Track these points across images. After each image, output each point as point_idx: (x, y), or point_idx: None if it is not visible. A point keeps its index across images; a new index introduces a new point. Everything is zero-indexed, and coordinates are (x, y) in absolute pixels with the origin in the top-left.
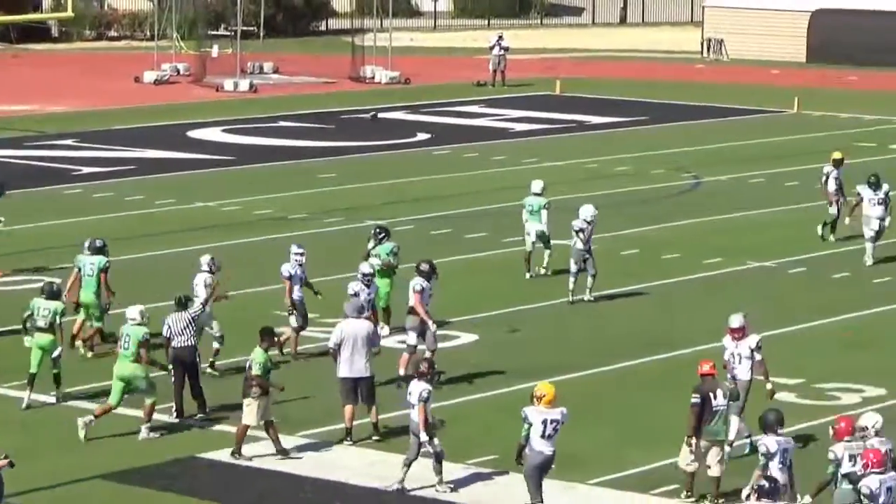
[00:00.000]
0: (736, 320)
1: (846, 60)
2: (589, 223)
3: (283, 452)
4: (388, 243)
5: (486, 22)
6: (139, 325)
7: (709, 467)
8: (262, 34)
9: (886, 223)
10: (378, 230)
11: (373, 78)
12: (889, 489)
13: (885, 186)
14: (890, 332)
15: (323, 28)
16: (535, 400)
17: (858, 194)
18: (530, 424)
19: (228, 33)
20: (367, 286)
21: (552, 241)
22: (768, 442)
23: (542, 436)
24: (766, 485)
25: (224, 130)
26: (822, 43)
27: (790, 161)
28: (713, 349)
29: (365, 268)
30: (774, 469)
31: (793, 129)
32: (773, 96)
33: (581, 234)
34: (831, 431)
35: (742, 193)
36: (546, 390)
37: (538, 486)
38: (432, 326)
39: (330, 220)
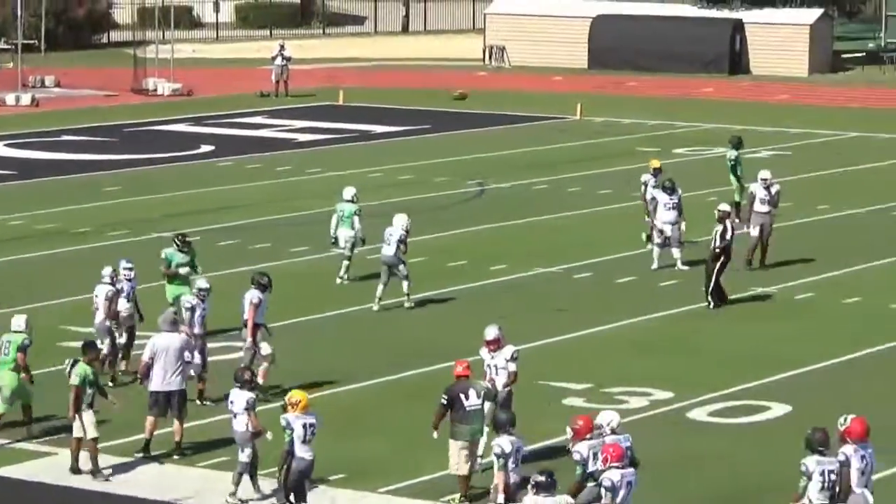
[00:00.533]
0: (491, 332)
1: (627, 66)
2: (407, 231)
3: (94, 473)
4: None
5: (269, 32)
6: (19, 333)
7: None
8: (43, 47)
9: (682, 228)
10: (180, 238)
11: (155, 90)
12: (629, 483)
13: (679, 191)
14: (675, 336)
15: (105, 41)
16: (290, 407)
17: (653, 198)
18: (293, 430)
19: (9, 47)
20: (203, 301)
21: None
22: (502, 442)
23: (304, 441)
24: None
25: (6, 145)
26: (603, 49)
27: (574, 167)
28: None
29: (202, 282)
30: (508, 469)
31: (576, 135)
32: (555, 102)
33: (402, 245)
34: (569, 432)
35: (527, 200)
36: (300, 396)
37: (300, 492)
38: (248, 342)
39: (114, 234)
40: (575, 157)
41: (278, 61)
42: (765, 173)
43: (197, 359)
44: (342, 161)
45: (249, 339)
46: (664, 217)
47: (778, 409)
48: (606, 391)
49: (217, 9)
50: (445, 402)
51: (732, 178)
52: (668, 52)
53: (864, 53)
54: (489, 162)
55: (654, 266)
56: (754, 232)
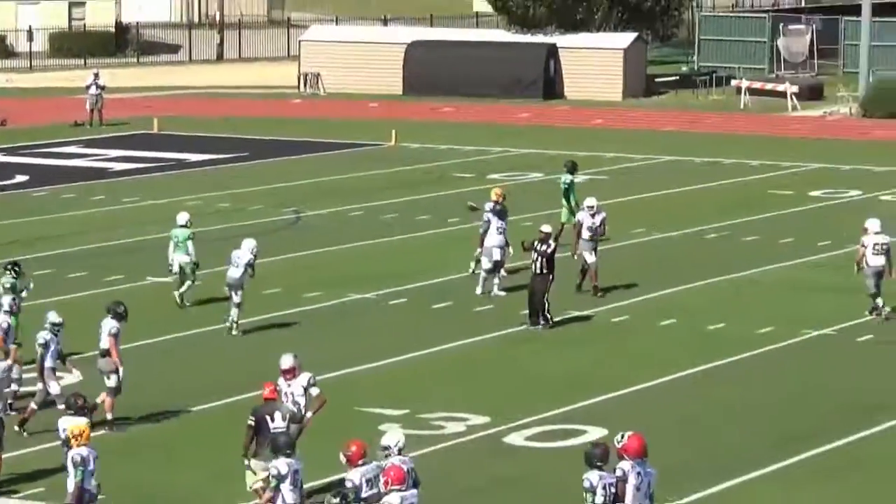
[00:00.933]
0: (286, 361)
1: (442, 92)
2: (255, 255)
3: None
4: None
5: (83, 61)
6: None
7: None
8: None
9: (509, 252)
10: (11, 266)
11: None
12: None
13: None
14: (490, 360)
15: None
16: (73, 440)
17: (487, 221)
18: (85, 467)
19: None
20: (56, 335)
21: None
22: (279, 464)
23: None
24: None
25: None
26: (418, 75)
27: (390, 193)
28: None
29: (53, 317)
30: (286, 490)
31: (392, 161)
32: (370, 129)
33: (250, 269)
34: (343, 458)
35: (342, 227)
36: (81, 429)
37: None
38: (122, 371)
39: None
40: (390, 184)
41: (92, 90)
42: (590, 201)
43: (55, 389)
44: (158, 189)
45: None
46: (494, 241)
47: (594, 433)
48: (423, 417)
49: (31, 38)
50: (252, 423)
51: (564, 201)
52: (483, 78)
53: (678, 77)
54: (305, 189)
55: (479, 291)
56: (590, 258)
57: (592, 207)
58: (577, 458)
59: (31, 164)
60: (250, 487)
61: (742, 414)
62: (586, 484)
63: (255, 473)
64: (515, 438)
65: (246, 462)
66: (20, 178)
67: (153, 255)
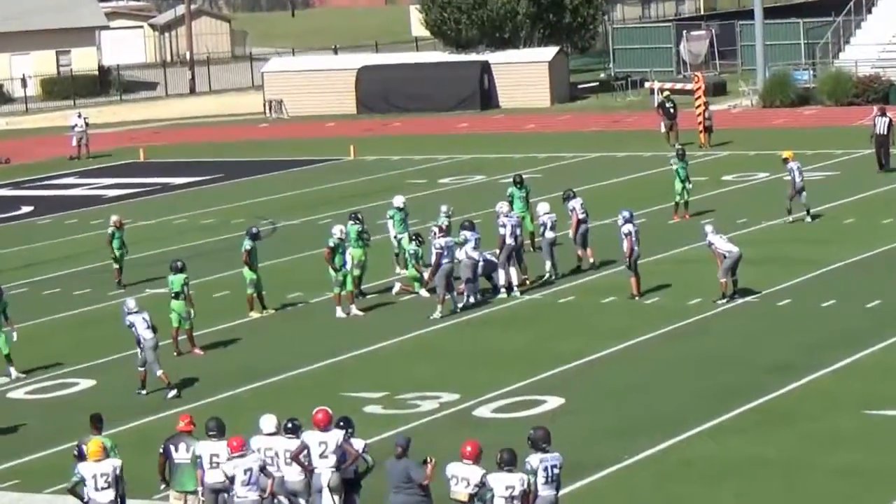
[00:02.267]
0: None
1: (391, 109)
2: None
3: None
4: None
5: (72, 102)
6: None
7: None
8: None
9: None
10: None
11: None
12: (248, 470)
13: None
14: (450, 343)
15: None
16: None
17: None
18: (82, 478)
19: None
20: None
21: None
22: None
23: (96, 488)
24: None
25: None
26: (369, 95)
27: (353, 201)
28: (312, 371)
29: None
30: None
31: (352, 173)
32: (331, 146)
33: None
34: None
35: (314, 234)
36: (97, 446)
37: None
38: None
39: None
40: (353, 193)
41: (78, 128)
42: (543, 206)
43: None
44: (149, 211)
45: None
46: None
47: (552, 401)
48: (401, 397)
49: (24, 84)
50: (162, 451)
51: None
52: (426, 94)
53: (598, 83)
54: (279, 202)
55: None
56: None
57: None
58: (540, 424)
59: (34, 196)
60: None
61: (681, 377)
62: (527, 466)
63: (176, 500)
64: (484, 411)
65: (162, 487)
66: (26, 209)
67: (149, 269)
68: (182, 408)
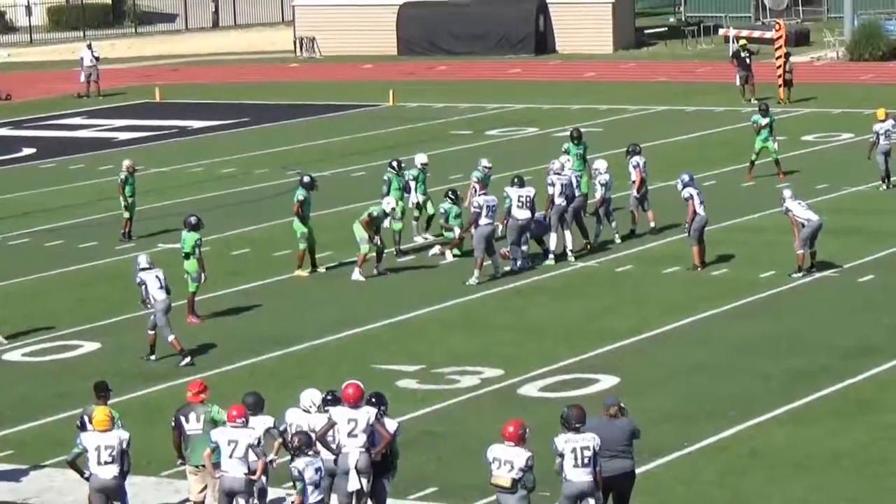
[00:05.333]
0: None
1: (436, 51)
2: None
3: None
4: None
5: (82, 33)
6: None
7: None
8: None
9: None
10: None
11: None
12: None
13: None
14: (494, 313)
15: None
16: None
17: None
18: (84, 449)
19: None
20: None
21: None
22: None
23: (99, 462)
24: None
25: None
26: (412, 35)
27: (390, 153)
28: (338, 340)
29: None
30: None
31: (390, 121)
32: (368, 91)
33: None
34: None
35: (346, 187)
36: (103, 414)
37: None
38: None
39: None
40: (390, 144)
41: (87, 62)
42: (601, 164)
43: None
44: (163, 157)
45: None
46: (518, 214)
47: (606, 381)
48: (438, 371)
49: (29, 12)
50: (173, 425)
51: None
52: (475, 35)
53: (666, 28)
54: (308, 151)
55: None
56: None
57: (598, 170)
58: (592, 406)
59: (37, 137)
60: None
61: (749, 358)
62: (552, 447)
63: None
64: (530, 389)
65: (179, 462)
66: (27, 151)
67: (162, 222)
68: (195, 376)
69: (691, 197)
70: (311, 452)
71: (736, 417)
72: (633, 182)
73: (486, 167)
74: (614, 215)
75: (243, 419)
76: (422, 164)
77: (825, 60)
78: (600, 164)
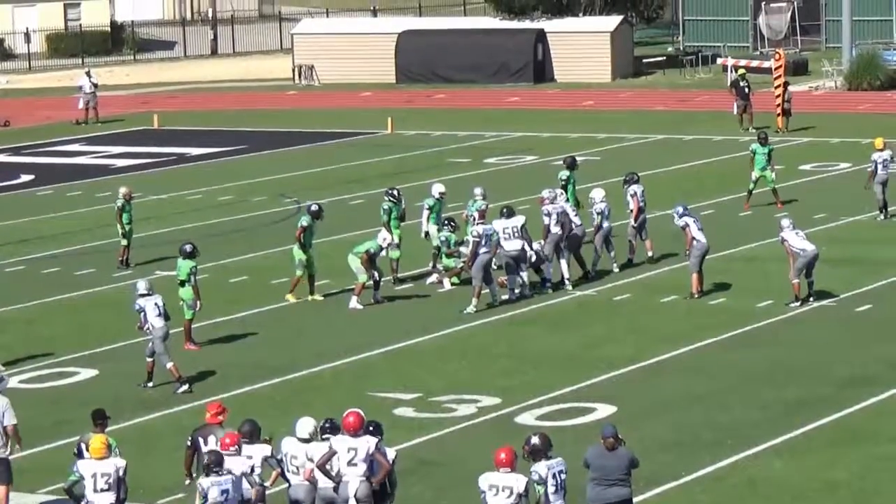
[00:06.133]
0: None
1: (434, 79)
2: None
3: None
4: None
5: (80, 60)
6: None
7: None
8: None
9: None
10: None
11: None
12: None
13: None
14: (492, 341)
15: None
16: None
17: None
18: (81, 477)
19: None
20: None
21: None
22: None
23: (95, 489)
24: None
25: None
26: (410, 63)
27: (389, 180)
28: (335, 368)
29: None
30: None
31: (389, 149)
32: (366, 118)
33: None
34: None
35: (344, 215)
36: (100, 442)
37: None
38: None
39: None
40: (388, 171)
41: (86, 88)
42: (598, 192)
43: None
44: (161, 184)
45: None
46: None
47: (603, 410)
48: (435, 400)
49: (28, 39)
50: (189, 444)
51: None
52: (474, 64)
53: (665, 57)
54: (305, 179)
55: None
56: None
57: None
58: (590, 435)
59: (35, 164)
60: None
61: (746, 387)
62: (534, 476)
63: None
64: (527, 418)
65: (187, 482)
66: (26, 178)
67: (159, 249)
68: (192, 403)
69: (687, 225)
70: (223, 472)
71: (733, 447)
72: (631, 211)
73: (481, 195)
74: (613, 244)
75: (236, 447)
76: (440, 194)
77: (823, 90)
78: (596, 194)
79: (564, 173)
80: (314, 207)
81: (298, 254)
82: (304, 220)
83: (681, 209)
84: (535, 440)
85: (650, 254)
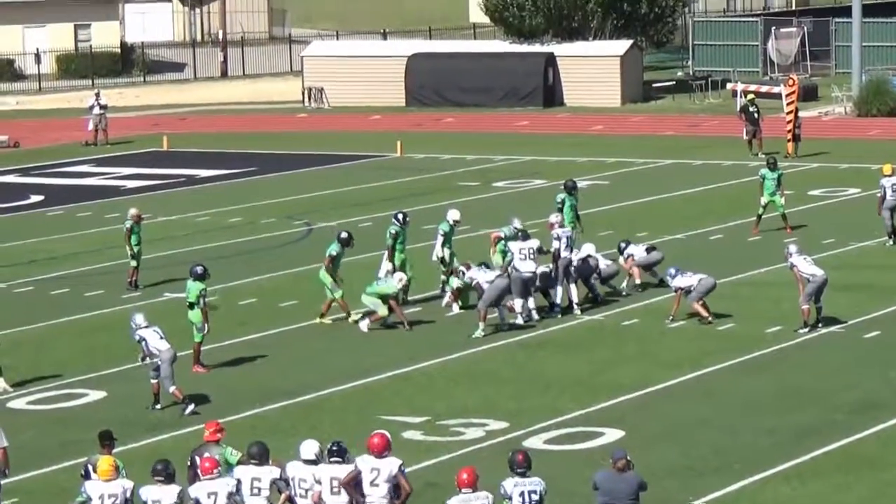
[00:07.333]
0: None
1: (444, 103)
2: None
3: None
4: None
5: (91, 82)
6: None
7: None
8: None
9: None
10: None
11: None
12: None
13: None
14: (500, 365)
15: None
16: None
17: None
18: (88, 498)
19: None
20: None
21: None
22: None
23: None
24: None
25: None
26: (420, 87)
27: (397, 203)
28: (343, 391)
29: None
30: None
31: (398, 172)
32: (376, 141)
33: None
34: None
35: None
36: (107, 464)
37: None
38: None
39: None
40: (397, 194)
41: (96, 110)
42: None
43: None
44: (170, 206)
45: None
46: (522, 266)
47: (612, 434)
48: (443, 423)
49: (38, 60)
50: (189, 464)
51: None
52: (483, 88)
53: (675, 82)
54: (315, 201)
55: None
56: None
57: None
58: (597, 459)
59: (45, 184)
60: None
61: (754, 413)
62: (501, 491)
63: None
64: (535, 442)
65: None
66: (35, 199)
67: (168, 271)
68: (199, 426)
69: (680, 289)
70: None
71: (741, 472)
72: (630, 276)
73: (455, 221)
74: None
75: (218, 470)
76: (454, 221)
77: (833, 115)
78: (589, 247)
79: (561, 196)
80: (344, 235)
81: (326, 279)
82: (334, 249)
83: (672, 270)
84: (512, 454)
85: (637, 281)
